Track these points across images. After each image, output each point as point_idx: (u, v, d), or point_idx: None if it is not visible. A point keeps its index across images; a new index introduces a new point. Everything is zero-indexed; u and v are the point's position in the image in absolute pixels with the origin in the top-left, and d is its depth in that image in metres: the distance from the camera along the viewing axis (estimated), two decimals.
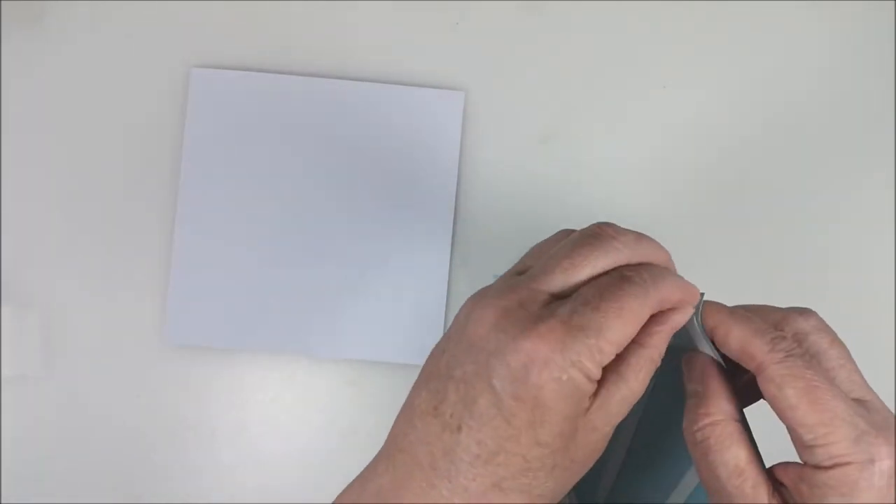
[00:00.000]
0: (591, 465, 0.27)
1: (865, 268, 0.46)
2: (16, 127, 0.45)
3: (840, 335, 0.28)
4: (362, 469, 0.29)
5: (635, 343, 0.26)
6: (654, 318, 0.27)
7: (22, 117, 0.45)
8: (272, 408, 0.45)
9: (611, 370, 0.26)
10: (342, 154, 0.45)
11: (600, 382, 0.26)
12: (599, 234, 0.27)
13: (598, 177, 0.46)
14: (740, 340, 0.27)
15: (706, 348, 0.29)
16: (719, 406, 0.27)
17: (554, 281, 0.26)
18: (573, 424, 0.25)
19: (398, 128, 0.45)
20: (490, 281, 0.31)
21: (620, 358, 0.26)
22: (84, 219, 0.45)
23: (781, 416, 0.26)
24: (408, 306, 0.44)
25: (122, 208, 0.45)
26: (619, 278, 0.26)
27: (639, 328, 0.26)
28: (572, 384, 0.24)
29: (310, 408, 0.45)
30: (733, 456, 0.27)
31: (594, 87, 0.46)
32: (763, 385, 0.26)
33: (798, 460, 0.26)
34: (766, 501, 0.26)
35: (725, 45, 0.46)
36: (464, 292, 0.45)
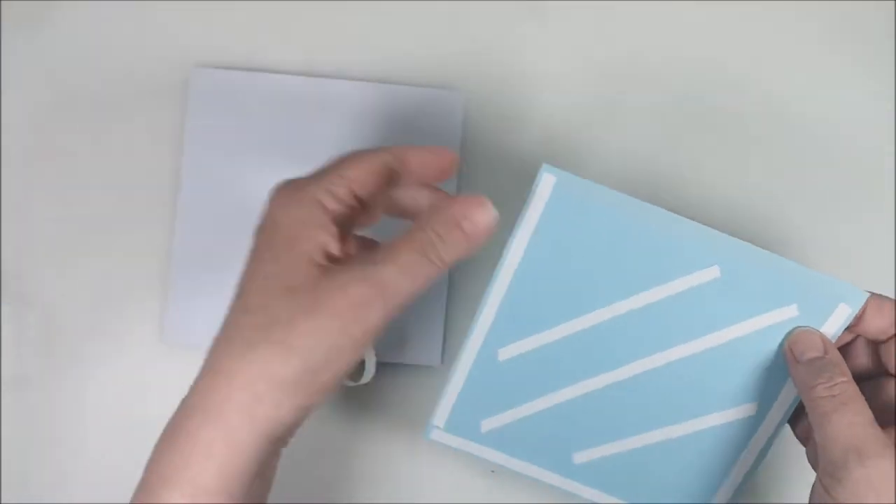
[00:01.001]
0: (348, 344, 0.28)
1: (865, 268, 0.46)
2: (16, 127, 0.45)
3: None
4: None
5: (416, 220, 0.31)
6: (447, 203, 0.31)
7: (22, 117, 0.45)
8: None
9: (383, 243, 0.30)
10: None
11: (367, 250, 0.32)
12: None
13: (599, 177, 0.46)
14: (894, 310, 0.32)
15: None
16: (846, 370, 0.32)
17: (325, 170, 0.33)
18: (308, 250, 0.29)
19: (398, 128, 0.45)
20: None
21: (396, 237, 0.30)
22: (84, 219, 0.45)
23: None
24: (408, 306, 0.44)
25: (122, 208, 0.45)
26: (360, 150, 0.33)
27: (376, 168, 0.32)
28: (296, 200, 0.30)
29: None
30: (866, 407, 0.30)
31: (594, 88, 0.46)
32: None
33: None
34: (893, 448, 0.29)
35: (726, 44, 0.46)
36: (464, 292, 0.45)
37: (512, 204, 0.34)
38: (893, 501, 0.28)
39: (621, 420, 0.36)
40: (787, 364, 0.33)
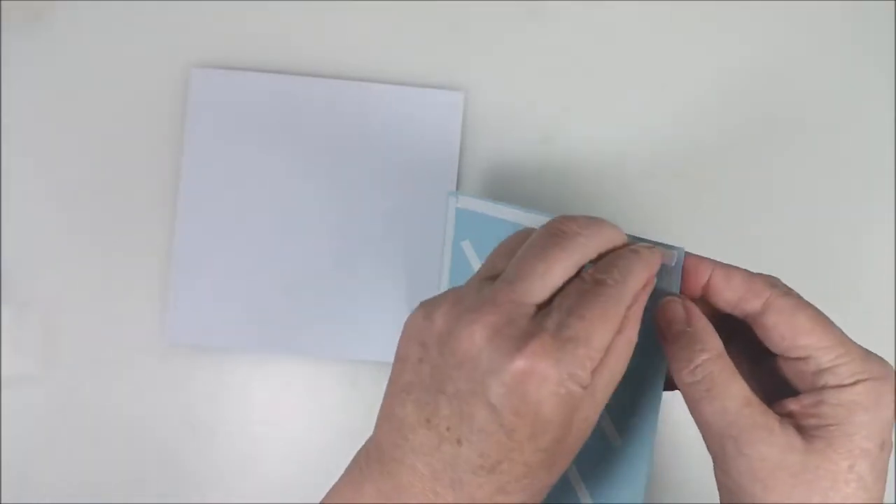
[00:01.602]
0: (582, 445, 0.27)
1: (865, 268, 0.46)
2: (16, 127, 0.45)
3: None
4: (347, 470, 0.30)
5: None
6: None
7: (22, 117, 0.45)
8: (272, 408, 0.45)
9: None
10: (342, 154, 0.45)
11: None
12: (565, 231, 0.28)
13: (599, 177, 0.46)
14: (745, 280, 0.28)
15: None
16: (714, 342, 0.28)
17: (534, 289, 0.26)
18: (570, 427, 0.26)
19: (398, 128, 0.45)
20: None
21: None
22: (84, 219, 0.45)
23: (792, 344, 0.27)
24: (408, 306, 0.44)
25: (122, 208, 0.45)
26: (595, 283, 0.27)
27: (618, 325, 0.27)
28: (569, 395, 0.25)
29: (310, 408, 0.45)
30: (738, 386, 0.27)
31: (594, 87, 0.46)
32: (771, 319, 0.27)
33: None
34: (778, 426, 0.27)
35: (726, 44, 0.46)
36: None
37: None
38: (780, 488, 0.26)
39: None
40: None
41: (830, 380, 0.27)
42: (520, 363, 0.25)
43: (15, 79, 0.45)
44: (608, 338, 0.26)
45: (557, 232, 0.28)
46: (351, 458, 0.45)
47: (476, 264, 0.37)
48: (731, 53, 0.46)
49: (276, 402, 0.45)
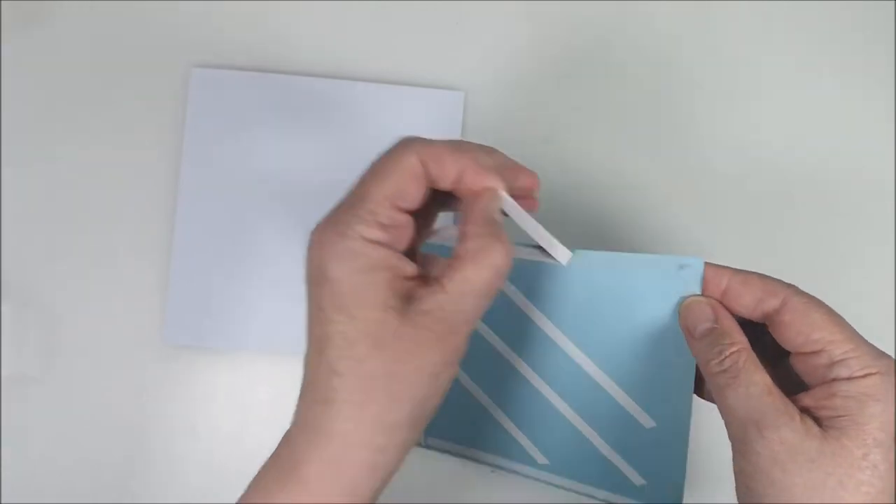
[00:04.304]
0: (447, 372, 0.29)
1: (866, 268, 0.46)
2: (16, 127, 0.45)
3: None
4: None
5: (461, 226, 0.29)
6: (476, 195, 0.29)
7: (22, 117, 0.45)
8: (272, 408, 0.45)
9: (445, 265, 0.28)
10: (342, 154, 0.45)
11: (435, 278, 0.28)
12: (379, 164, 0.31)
13: (600, 176, 0.46)
14: (761, 282, 0.30)
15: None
16: (741, 337, 0.30)
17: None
18: (387, 294, 0.27)
19: (398, 128, 0.45)
20: None
21: (455, 253, 0.28)
22: (84, 219, 0.45)
23: (807, 339, 0.29)
24: None
25: (122, 208, 0.45)
26: (367, 169, 0.30)
27: (411, 180, 0.29)
28: (345, 251, 0.27)
29: None
30: (762, 375, 0.29)
31: (595, 87, 0.46)
32: (787, 316, 0.29)
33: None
34: (798, 414, 0.28)
35: (725, 43, 0.46)
36: None
37: None
38: (798, 472, 0.27)
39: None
40: (686, 340, 0.31)
41: (842, 372, 0.28)
42: (316, 241, 0.28)
43: (15, 79, 0.45)
44: (382, 191, 0.28)
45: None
46: None
47: None
48: (732, 52, 0.46)
49: (275, 402, 0.45)
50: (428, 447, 0.43)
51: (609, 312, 0.33)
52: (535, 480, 0.41)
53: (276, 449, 0.31)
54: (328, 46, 0.46)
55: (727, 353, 0.29)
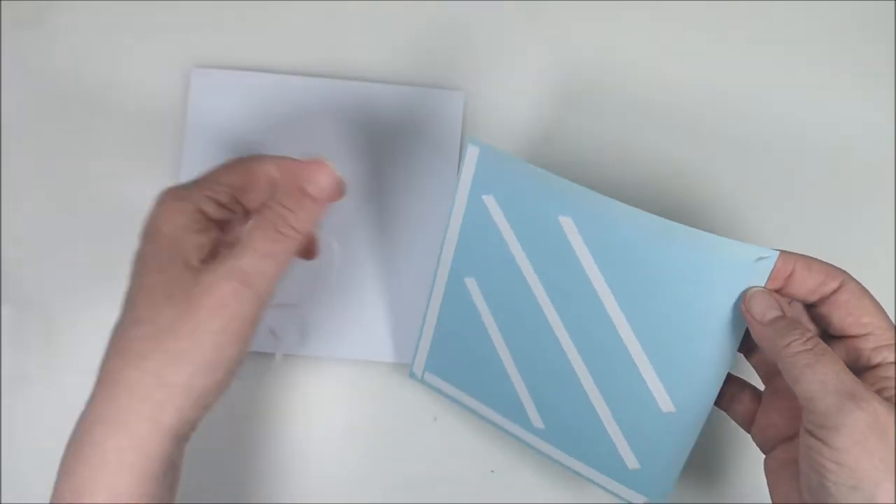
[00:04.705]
0: (233, 338, 0.30)
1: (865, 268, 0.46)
2: (16, 127, 0.45)
3: None
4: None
5: (267, 200, 0.32)
6: (291, 178, 0.33)
7: (22, 117, 0.45)
8: (272, 408, 0.45)
9: (244, 234, 0.31)
10: (342, 154, 0.45)
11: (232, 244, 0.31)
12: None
13: (599, 177, 0.46)
14: (823, 267, 0.32)
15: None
16: (811, 325, 0.33)
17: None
18: (180, 251, 0.31)
19: (398, 128, 0.45)
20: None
21: (251, 223, 0.32)
22: (84, 219, 0.45)
23: (857, 321, 0.31)
24: (409, 305, 0.44)
25: (122, 208, 0.45)
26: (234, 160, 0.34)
27: (258, 179, 0.33)
28: (178, 210, 0.31)
29: (310, 408, 0.45)
30: (836, 357, 0.30)
31: (594, 87, 0.46)
32: (844, 297, 0.32)
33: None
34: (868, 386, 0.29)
35: (725, 43, 0.46)
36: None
37: None
38: (885, 434, 0.28)
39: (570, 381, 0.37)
40: (749, 326, 0.32)
41: (889, 356, 0.30)
42: (158, 200, 0.32)
43: (15, 79, 0.45)
44: (224, 175, 0.33)
45: None
46: (350, 457, 0.45)
47: (502, 223, 0.37)
48: (732, 52, 0.46)
49: (275, 402, 0.45)
50: (423, 382, 0.42)
51: (668, 286, 0.34)
52: (520, 443, 0.40)
53: (77, 421, 0.32)
54: (328, 46, 0.46)
55: (807, 336, 0.30)
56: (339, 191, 0.33)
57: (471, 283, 0.39)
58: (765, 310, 0.32)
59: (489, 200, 0.36)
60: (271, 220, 0.31)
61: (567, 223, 0.35)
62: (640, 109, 0.46)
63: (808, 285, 0.32)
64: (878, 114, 0.46)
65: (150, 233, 0.31)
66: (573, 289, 0.36)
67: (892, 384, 0.30)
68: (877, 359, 0.30)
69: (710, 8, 0.46)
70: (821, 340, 0.30)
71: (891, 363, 0.30)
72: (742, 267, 0.32)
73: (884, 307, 0.32)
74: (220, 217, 0.33)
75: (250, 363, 0.45)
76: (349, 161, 0.45)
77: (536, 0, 0.46)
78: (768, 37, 0.47)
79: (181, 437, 0.31)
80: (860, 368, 0.31)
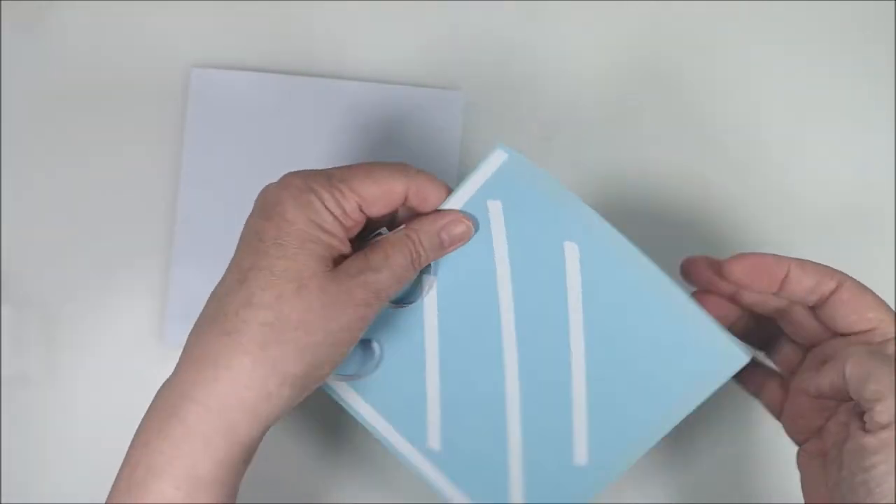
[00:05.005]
0: (348, 338, 0.31)
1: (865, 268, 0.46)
2: (16, 127, 0.45)
3: None
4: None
5: (407, 229, 0.33)
6: (432, 218, 0.33)
7: (22, 117, 0.45)
8: None
9: (375, 246, 0.32)
10: (342, 154, 0.45)
11: (363, 253, 0.31)
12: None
13: (601, 175, 0.46)
14: (818, 268, 0.32)
15: None
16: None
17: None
18: (315, 249, 0.30)
19: (398, 128, 0.45)
20: None
21: (386, 239, 0.32)
22: (84, 219, 0.45)
23: (861, 317, 0.32)
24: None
25: (122, 208, 0.45)
26: (376, 162, 0.33)
27: (390, 196, 0.32)
28: (306, 201, 0.30)
29: (309, 408, 0.45)
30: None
31: (595, 87, 0.46)
32: (845, 295, 0.32)
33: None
34: None
35: (725, 44, 0.46)
36: None
37: None
38: None
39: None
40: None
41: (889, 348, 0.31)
42: (278, 182, 0.31)
43: (15, 79, 0.45)
44: (366, 188, 0.31)
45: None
46: (350, 457, 0.45)
47: (498, 231, 0.35)
48: (733, 53, 0.46)
49: None
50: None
51: (641, 341, 0.33)
52: (401, 460, 0.36)
53: (159, 391, 0.31)
54: (328, 46, 0.46)
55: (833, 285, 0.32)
56: (463, 243, 0.34)
57: (427, 279, 0.35)
58: (772, 278, 0.33)
59: (494, 205, 0.35)
60: (409, 247, 0.32)
61: (571, 249, 0.34)
62: (641, 109, 0.46)
63: (804, 285, 0.32)
64: (878, 114, 0.46)
65: (273, 214, 0.30)
66: (545, 312, 0.34)
67: None
68: (887, 351, 0.31)
69: (709, 7, 0.46)
70: None
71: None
72: (715, 357, 0.33)
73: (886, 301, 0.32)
74: (347, 224, 0.32)
75: None
76: (349, 161, 0.45)
77: (537, 0, 0.46)
78: (768, 37, 0.47)
79: (269, 427, 0.31)
80: None
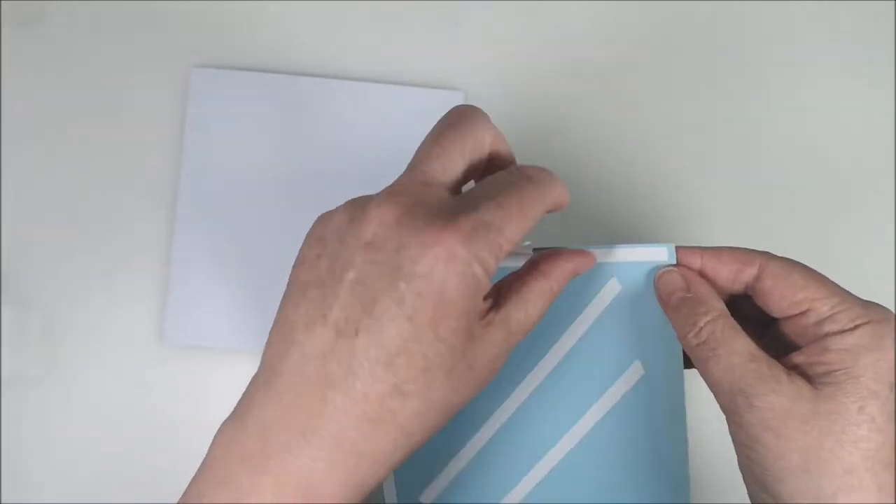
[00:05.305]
0: (486, 382, 0.27)
1: (865, 267, 0.46)
2: (16, 127, 0.45)
3: None
4: (235, 406, 0.27)
5: (539, 273, 0.28)
6: (563, 256, 0.29)
7: (22, 117, 0.45)
8: None
9: (513, 291, 0.27)
10: (342, 154, 0.45)
11: (502, 300, 0.27)
12: (462, 113, 0.30)
13: (599, 177, 0.46)
14: (735, 254, 0.30)
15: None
16: (716, 303, 0.29)
17: (433, 170, 0.27)
18: (470, 324, 0.25)
19: (398, 128, 0.45)
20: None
21: (524, 283, 0.28)
22: (84, 219, 0.45)
23: (791, 301, 0.28)
24: None
25: (122, 208, 0.45)
26: (520, 176, 0.27)
27: (534, 225, 0.27)
28: (474, 279, 0.24)
29: None
30: (743, 342, 0.28)
31: (595, 87, 0.46)
32: (768, 282, 0.29)
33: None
34: (785, 376, 0.27)
35: (725, 44, 0.46)
36: None
37: None
38: (793, 436, 0.26)
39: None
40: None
41: (832, 327, 0.27)
42: (431, 239, 0.24)
43: (15, 79, 0.45)
44: (521, 232, 0.26)
45: (446, 117, 0.30)
46: None
47: (598, 309, 0.33)
48: (732, 53, 0.46)
49: None
50: None
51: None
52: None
53: (248, 439, 0.26)
54: (328, 46, 0.46)
55: (702, 322, 0.28)
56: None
57: None
58: (669, 292, 0.30)
59: (613, 284, 0.33)
60: (545, 293, 0.28)
61: (636, 367, 0.33)
62: (641, 109, 0.46)
63: (723, 276, 0.30)
64: (878, 114, 0.46)
65: (430, 293, 0.24)
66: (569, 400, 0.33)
67: (831, 357, 0.27)
68: (822, 331, 0.28)
69: (709, 7, 0.46)
70: (718, 324, 0.28)
71: (833, 334, 0.27)
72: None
73: (828, 276, 0.29)
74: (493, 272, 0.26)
75: (246, 362, 0.45)
76: (349, 161, 0.45)
77: (537, 0, 0.46)
78: (768, 37, 0.47)
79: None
80: (809, 343, 0.28)
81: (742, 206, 0.46)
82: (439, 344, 0.24)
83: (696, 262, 0.30)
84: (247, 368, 0.45)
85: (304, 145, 0.45)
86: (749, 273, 0.29)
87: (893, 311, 0.28)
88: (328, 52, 0.46)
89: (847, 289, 0.29)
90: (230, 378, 0.45)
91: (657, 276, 0.31)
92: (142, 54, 0.45)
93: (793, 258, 0.29)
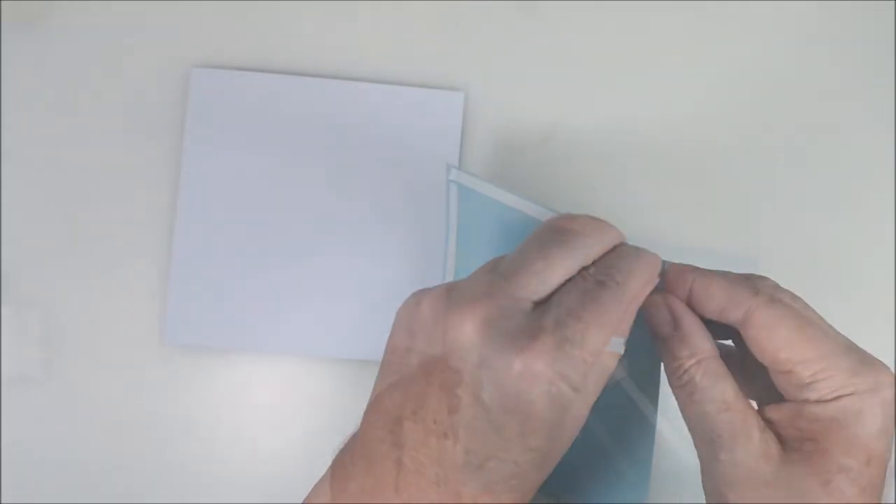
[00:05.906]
0: (571, 442, 0.27)
1: (865, 267, 0.46)
2: (16, 127, 0.45)
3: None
4: (332, 466, 0.29)
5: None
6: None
7: (22, 117, 0.45)
8: (272, 408, 0.45)
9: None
10: (342, 154, 0.45)
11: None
12: (567, 230, 0.27)
13: (599, 177, 0.46)
14: (724, 290, 0.27)
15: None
16: (700, 344, 0.28)
17: (531, 285, 0.26)
18: (561, 427, 0.25)
19: (398, 128, 0.45)
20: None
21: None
22: (84, 219, 0.45)
23: (774, 358, 0.26)
24: None
25: (122, 208, 0.45)
26: (596, 284, 0.26)
27: (625, 326, 0.26)
28: (560, 395, 0.25)
29: (310, 408, 0.45)
30: (720, 391, 0.27)
31: (595, 87, 0.46)
32: (752, 332, 0.27)
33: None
34: (758, 433, 0.26)
35: (725, 45, 0.46)
36: None
37: None
38: (752, 496, 0.26)
39: None
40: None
41: (811, 395, 0.26)
42: (513, 359, 0.24)
43: (15, 79, 0.45)
44: (604, 342, 0.25)
45: (560, 230, 0.28)
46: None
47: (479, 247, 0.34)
48: (732, 53, 0.46)
49: (276, 403, 0.45)
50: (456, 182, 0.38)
51: None
52: None
53: None
54: (328, 47, 0.46)
55: (684, 368, 0.27)
56: None
57: None
58: (657, 326, 0.29)
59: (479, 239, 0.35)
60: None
61: None
62: (641, 110, 0.46)
63: (710, 308, 0.28)
64: (878, 114, 0.46)
65: (514, 408, 0.24)
66: None
67: (802, 425, 0.26)
68: (801, 396, 0.26)
69: (709, 7, 0.46)
70: (699, 369, 0.27)
71: (811, 402, 0.26)
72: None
73: (829, 327, 0.27)
74: None
75: (246, 362, 0.45)
76: (348, 162, 0.45)
77: (537, 0, 0.46)
78: (768, 36, 0.47)
79: None
80: (792, 399, 0.27)
81: (742, 204, 0.46)
82: (531, 452, 0.25)
83: (685, 284, 0.28)
84: (247, 368, 0.45)
85: (303, 146, 0.45)
86: (735, 315, 0.27)
87: (893, 333, 0.27)
88: (328, 52, 0.46)
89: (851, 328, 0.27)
90: (230, 378, 0.45)
91: (648, 302, 0.28)
92: (142, 54, 0.45)
93: (782, 306, 0.27)
